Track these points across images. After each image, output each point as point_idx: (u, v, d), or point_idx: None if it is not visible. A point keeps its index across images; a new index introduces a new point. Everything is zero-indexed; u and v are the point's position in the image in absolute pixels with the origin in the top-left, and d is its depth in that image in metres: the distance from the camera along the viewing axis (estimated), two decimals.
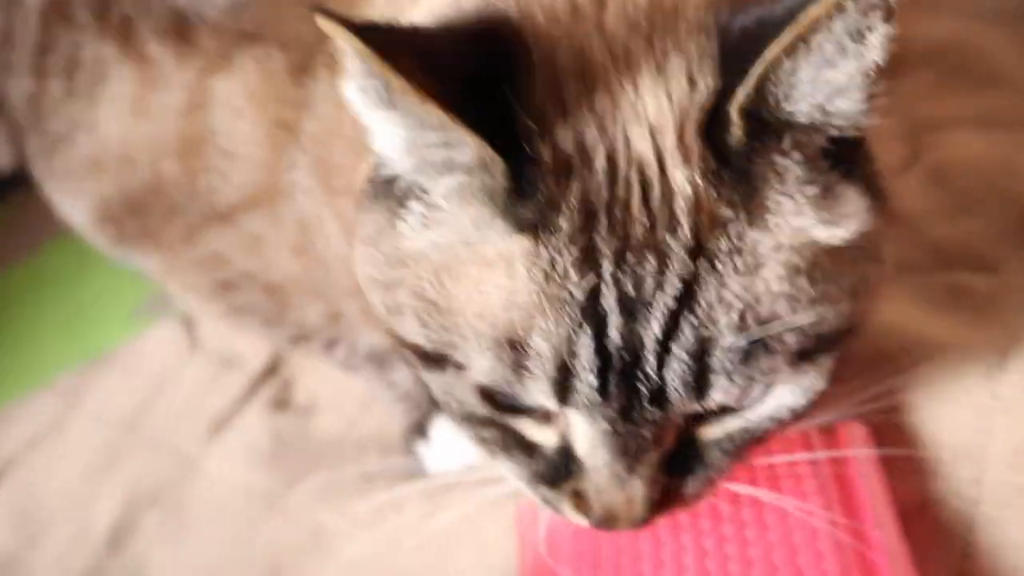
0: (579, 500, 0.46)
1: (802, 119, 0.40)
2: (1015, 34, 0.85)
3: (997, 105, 0.78)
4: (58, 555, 0.88)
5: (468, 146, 0.38)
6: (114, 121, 0.67)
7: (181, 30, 0.63)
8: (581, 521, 0.46)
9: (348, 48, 0.37)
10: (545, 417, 0.45)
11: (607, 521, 0.45)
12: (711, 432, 0.45)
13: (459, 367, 0.43)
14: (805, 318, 0.40)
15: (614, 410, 0.41)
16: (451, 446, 0.73)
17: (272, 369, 0.97)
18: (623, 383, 0.40)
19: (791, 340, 0.41)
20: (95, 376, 1.13)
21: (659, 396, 0.41)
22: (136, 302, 1.22)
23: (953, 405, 0.58)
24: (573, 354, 0.39)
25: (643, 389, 0.40)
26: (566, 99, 0.41)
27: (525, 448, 0.46)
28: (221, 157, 0.63)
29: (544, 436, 0.45)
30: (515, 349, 0.40)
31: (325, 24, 0.36)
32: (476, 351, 0.41)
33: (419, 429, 0.75)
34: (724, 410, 0.44)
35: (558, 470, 0.46)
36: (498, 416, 0.45)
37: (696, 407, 0.42)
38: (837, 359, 0.45)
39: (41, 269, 1.42)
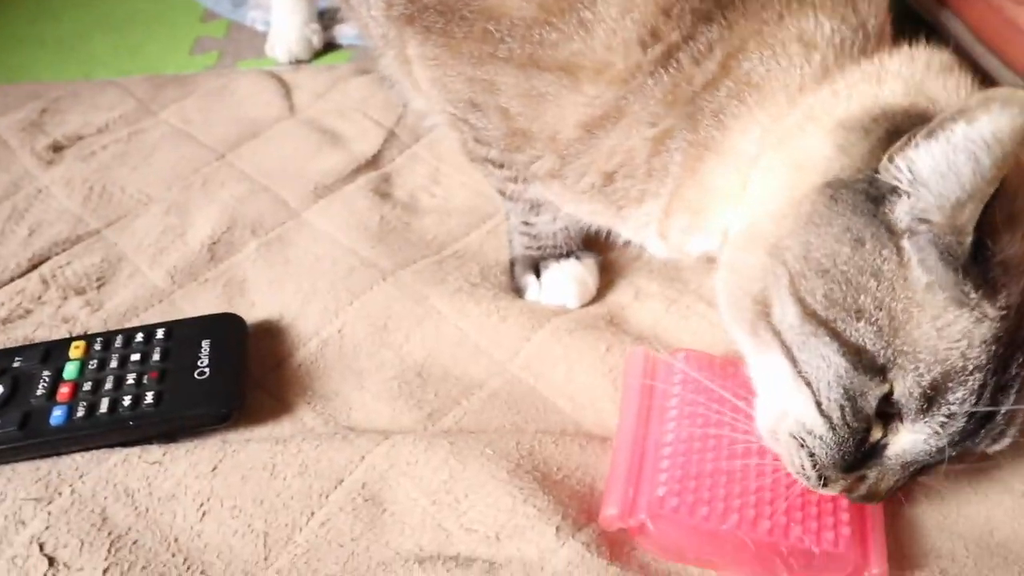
0: (854, 483, 0.60)
1: None
2: None
3: None
4: (151, 243, 0.91)
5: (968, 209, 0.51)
6: None
7: None
8: (833, 492, 0.61)
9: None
10: (887, 419, 0.57)
11: (868, 498, 0.60)
12: None
13: (884, 379, 0.54)
14: None
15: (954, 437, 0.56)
16: (557, 288, 0.86)
17: (374, 161, 1.04)
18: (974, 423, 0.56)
19: None
20: (170, 90, 1.14)
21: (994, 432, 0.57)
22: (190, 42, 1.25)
23: None
24: (965, 402, 0.54)
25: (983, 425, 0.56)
26: (1014, 209, 0.54)
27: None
28: (578, 24, 0.64)
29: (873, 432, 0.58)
30: (938, 388, 0.53)
31: None
32: (912, 377, 0.53)
33: (533, 266, 0.87)
34: None
35: (856, 460, 0.58)
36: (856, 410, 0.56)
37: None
38: None
39: None
